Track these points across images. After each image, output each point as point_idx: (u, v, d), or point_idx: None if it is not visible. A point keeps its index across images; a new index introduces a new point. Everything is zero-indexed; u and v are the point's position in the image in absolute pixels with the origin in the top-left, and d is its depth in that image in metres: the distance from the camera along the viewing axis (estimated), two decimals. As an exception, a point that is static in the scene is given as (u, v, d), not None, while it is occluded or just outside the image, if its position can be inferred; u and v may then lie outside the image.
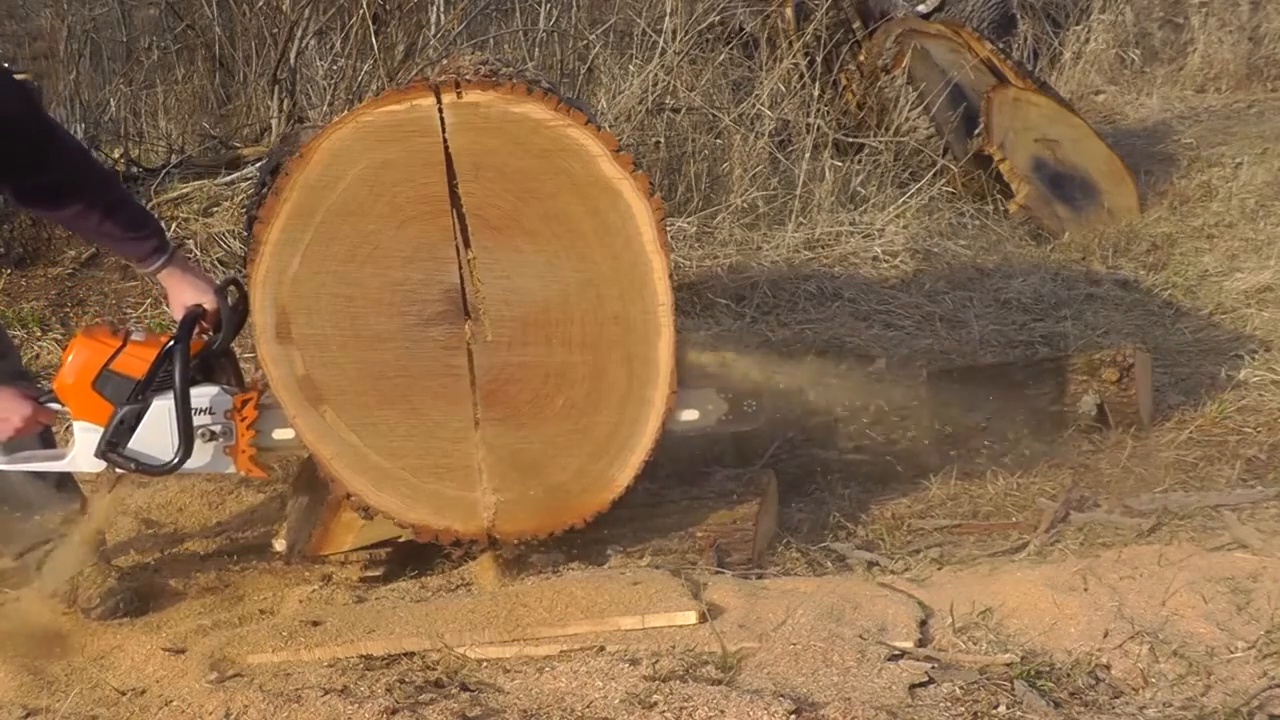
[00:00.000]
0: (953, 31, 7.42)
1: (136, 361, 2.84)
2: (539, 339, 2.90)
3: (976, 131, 6.56)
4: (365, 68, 5.80)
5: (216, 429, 2.88)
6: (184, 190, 5.21)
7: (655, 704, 2.43)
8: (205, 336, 2.94)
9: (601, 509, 2.99)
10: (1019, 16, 9.51)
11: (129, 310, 4.73)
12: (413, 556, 3.22)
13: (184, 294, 2.95)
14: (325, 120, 4.97)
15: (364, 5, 5.78)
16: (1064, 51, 9.23)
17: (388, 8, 6.02)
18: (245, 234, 3.41)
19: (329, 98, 5.79)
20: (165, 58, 6.95)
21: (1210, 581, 2.82)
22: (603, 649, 2.69)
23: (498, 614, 2.85)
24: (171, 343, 2.84)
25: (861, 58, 6.98)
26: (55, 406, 2.89)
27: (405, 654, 2.75)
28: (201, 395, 2.86)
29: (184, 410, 2.82)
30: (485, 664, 2.71)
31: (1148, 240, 6.17)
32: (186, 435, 2.83)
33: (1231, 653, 2.58)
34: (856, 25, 7.11)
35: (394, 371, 2.90)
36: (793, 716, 2.35)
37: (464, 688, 2.58)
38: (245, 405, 2.89)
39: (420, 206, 2.84)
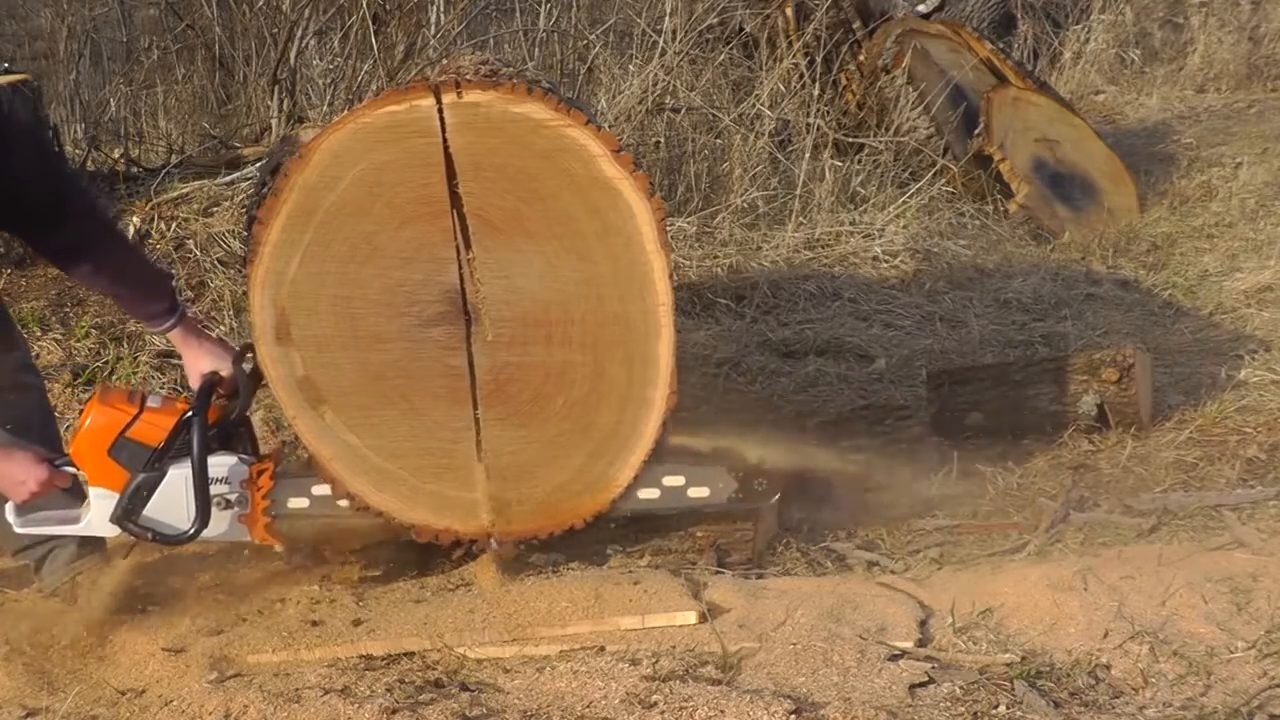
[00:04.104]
0: (953, 31, 7.42)
1: (153, 429, 2.83)
2: (539, 339, 2.90)
3: (976, 131, 6.56)
4: (365, 68, 5.80)
5: (233, 497, 2.87)
6: (184, 190, 5.20)
7: (655, 704, 2.43)
8: (222, 403, 2.92)
9: (602, 509, 2.99)
10: (1019, 16, 9.52)
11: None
12: (413, 557, 3.22)
13: (200, 360, 2.95)
14: (325, 120, 4.97)
15: (364, 5, 5.78)
16: (1064, 51, 9.24)
17: (388, 8, 6.02)
18: (245, 234, 3.40)
19: (329, 98, 5.78)
20: (165, 58, 6.94)
21: (1210, 581, 2.82)
22: (603, 649, 2.69)
23: (497, 614, 2.85)
24: (189, 413, 2.83)
25: (861, 58, 6.98)
26: (71, 470, 2.88)
27: (405, 654, 2.75)
28: (219, 465, 2.85)
29: (202, 481, 2.81)
30: (485, 664, 2.71)
31: (1148, 240, 6.17)
32: (204, 506, 2.82)
33: (1231, 653, 2.58)
34: (856, 25, 7.12)
35: (394, 372, 2.90)
36: (793, 716, 2.35)
37: (464, 688, 2.58)
38: (261, 475, 2.89)
39: (420, 207, 2.84)
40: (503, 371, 2.91)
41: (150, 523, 2.85)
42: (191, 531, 2.84)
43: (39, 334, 4.62)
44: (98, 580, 3.08)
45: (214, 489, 2.84)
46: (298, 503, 2.94)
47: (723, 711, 2.37)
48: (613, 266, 2.88)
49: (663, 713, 2.41)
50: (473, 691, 2.56)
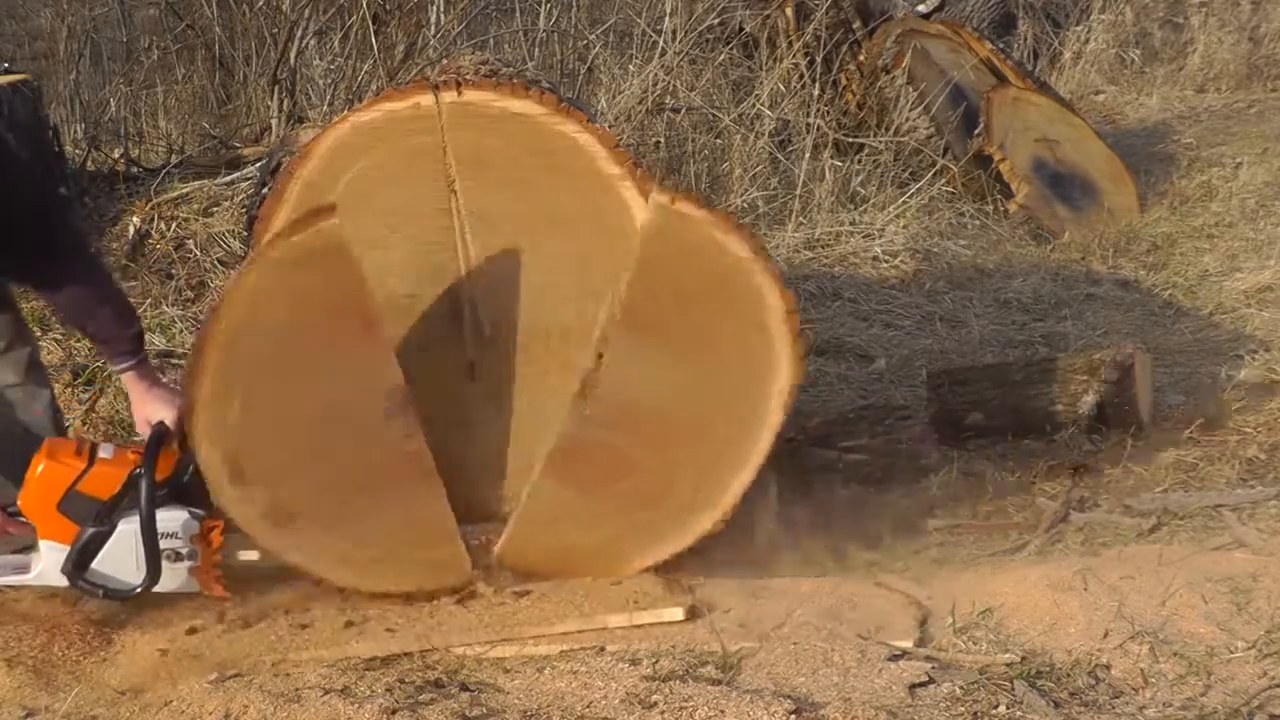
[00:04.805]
0: (953, 31, 7.43)
1: (103, 483, 2.78)
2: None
3: (976, 131, 6.57)
4: (365, 68, 5.80)
5: (183, 551, 2.83)
6: (184, 190, 5.20)
7: (655, 704, 2.43)
8: (174, 455, 2.87)
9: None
10: (1019, 16, 9.52)
11: (129, 311, 4.72)
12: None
13: (148, 406, 2.89)
14: (325, 120, 4.97)
15: (364, 5, 5.78)
16: (1064, 51, 9.23)
17: (388, 8, 6.02)
18: (245, 234, 3.41)
19: (329, 98, 5.78)
20: (165, 58, 6.94)
21: (1210, 581, 2.81)
22: (603, 649, 2.69)
23: (487, 615, 2.85)
24: (138, 470, 2.78)
25: (861, 58, 6.98)
26: (24, 521, 2.83)
27: (404, 654, 2.75)
28: (169, 519, 2.80)
29: (150, 538, 2.76)
30: (485, 664, 2.70)
31: (1148, 240, 6.17)
32: (154, 561, 2.78)
33: (1231, 653, 2.58)
34: (856, 25, 7.12)
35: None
36: (793, 716, 2.35)
37: (464, 688, 2.58)
38: (212, 531, 2.85)
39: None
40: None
41: (100, 577, 2.81)
42: (141, 586, 2.80)
43: (39, 334, 4.61)
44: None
45: (164, 543, 2.79)
46: (248, 555, 2.90)
47: (723, 711, 2.37)
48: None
49: (663, 713, 2.41)
50: (473, 691, 2.55)
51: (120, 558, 2.79)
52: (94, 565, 2.80)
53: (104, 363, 3.01)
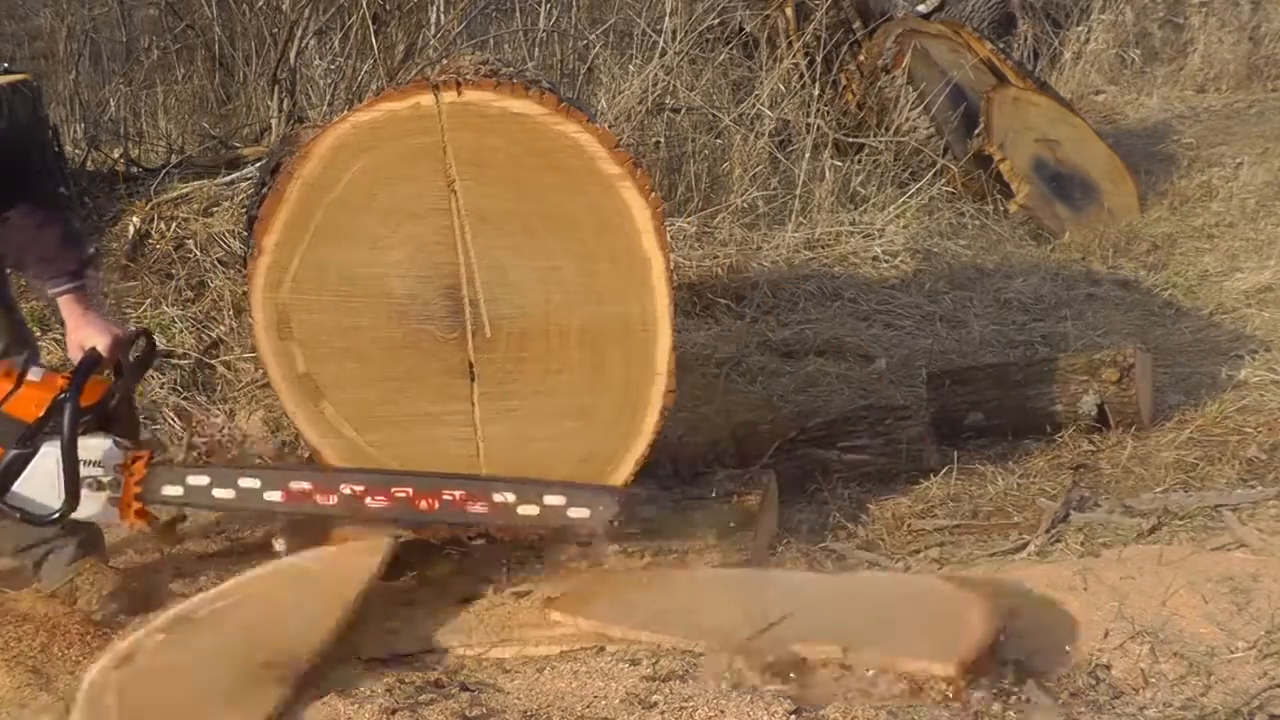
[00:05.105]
0: (953, 31, 7.43)
1: (29, 405, 2.76)
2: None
3: (976, 131, 6.57)
4: (365, 68, 5.79)
5: (105, 480, 2.79)
6: (184, 190, 5.19)
7: (655, 704, 2.43)
8: (105, 383, 2.84)
9: None
10: (1019, 16, 9.51)
11: (129, 310, 4.72)
12: (412, 557, 3.22)
13: (82, 331, 2.86)
14: (325, 120, 4.97)
15: (364, 5, 5.77)
16: (1064, 51, 9.23)
17: (388, 8, 6.01)
18: (245, 234, 3.41)
19: (329, 98, 5.78)
20: (165, 58, 6.94)
21: (1210, 581, 2.81)
22: (603, 649, 2.69)
23: (488, 615, 2.85)
24: (64, 394, 2.75)
25: (861, 58, 6.98)
26: None
27: (403, 654, 2.75)
28: (93, 447, 2.77)
29: (71, 463, 2.73)
30: (485, 664, 2.70)
31: (1148, 240, 6.17)
32: (72, 488, 2.74)
33: (1231, 653, 2.58)
34: (856, 25, 7.12)
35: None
36: (792, 716, 2.35)
37: (464, 688, 2.58)
38: (136, 461, 2.81)
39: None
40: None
41: (19, 500, 2.77)
42: (59, 512, 2.77)
43: (39, 334, 4.61)
44: (98, 581, 3.07)
45: (86, 471, 2.75)
46: (172, 491, 2.85)
47: (723, 711, 2.37)
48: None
49: (663, 713, 2.41)
50: (473, 691, 2.56)
51: (41, 482, 2.76)
52: (14, 488, 2.77)
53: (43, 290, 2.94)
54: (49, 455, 2.75)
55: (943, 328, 5.04)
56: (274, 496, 2.81)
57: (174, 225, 5.08)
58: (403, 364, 2.90)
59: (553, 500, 2.79)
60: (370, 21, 5.75)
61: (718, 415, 4.05)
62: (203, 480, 2.86)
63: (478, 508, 2.78)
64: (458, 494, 2.77)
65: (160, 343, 4.53)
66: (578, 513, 2.78)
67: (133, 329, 2.99)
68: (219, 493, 2.85)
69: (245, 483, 2.83)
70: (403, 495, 2.78)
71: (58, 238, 2.87)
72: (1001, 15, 9.49)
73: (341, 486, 2.79)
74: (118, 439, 2.83)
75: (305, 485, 2.80)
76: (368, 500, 2.79)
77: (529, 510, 2.79)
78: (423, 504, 2.78)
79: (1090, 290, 5.46)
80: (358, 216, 2.84)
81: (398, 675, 2.62)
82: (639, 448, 2.95)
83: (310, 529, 3.23)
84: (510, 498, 2.77)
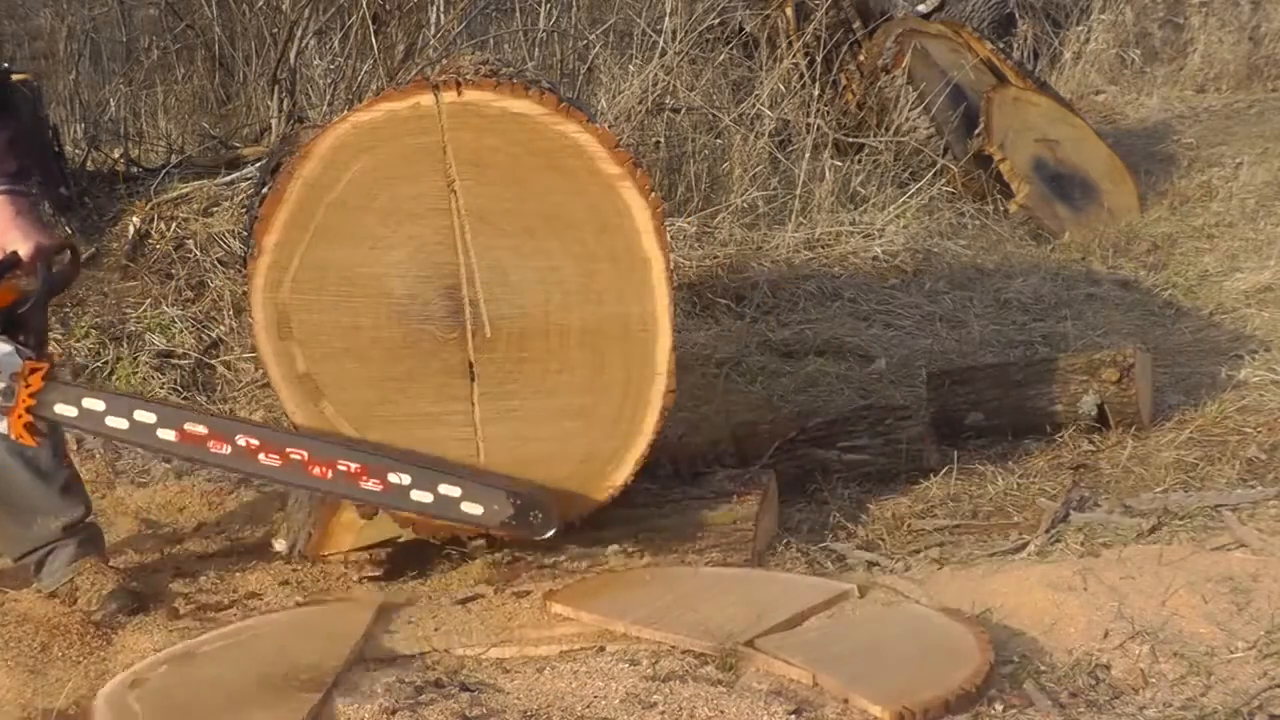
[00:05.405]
0: (953, 31, 7.43)
1: None
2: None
3: (976, 131, 6.57)
4: (365, 68, 5.80)
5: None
6: (184, 190, 5.20)
7: (655, 704, 2.43)
8: (17, 287, 2.78)
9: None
10: (1019, 16, 9.52)
11: (128, 310, 4.73)
12: (413, 557, 3.22)
13: (7, 235, 2.81)
14: (325, 120, 4.97)
15: (364, 5, 5.78)
16: (1064, 51, 9.23)
17: (388, 8, 6.01)
18: (245, 234, 3.41)
19: (329, 98, 5.78)
20: (165, 58, 6.94)
21: (1210, 581, 2.81)
22: (603, 649, 2.69)
23: (488, 616, 2.85)
24: None
25: (861, 58, 6.98)
26: None
27: (403, 655, 2.75)
28: None
29: None
30: (485, 664, 2.70)
31: (1148, 240, 6.17)
32: None
33: (1231, 653, 2.57)
34: (856, 25, 7.12)
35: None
36: (792, 716, 2.35)
37: (464, 688, 2.57)
38: (34, 373, 2.74)
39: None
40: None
41: None
42: None
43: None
44: (98, 582, 3.07)
45: None
46: (65, 410, 2.78)
47: (722, 711, 2.37)
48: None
49: (663, 713, 2.41)
50: (473, 691, 2.55)
51: None
52: None
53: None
54: None
55: (943, 328, 5.04)
56: (168, 435, 2.77)
57: (174, 225, 5.08)
58: (403, 364, 2.90)
59: (447, 490, 2.76)
60: (370, 21, 5.75)
61: (718, 415, 4.06)
62: (98, 405, 2.79)
63: (371, 484, 2.75)
64: (353, 466, 2.75)
65: (160, 343, 4.54)
66: (471, 508, 2.77)
67: (60, 239, 2.93)
68: (112, 421, 2.78)
69: (140, 415, 2.77)
70: (297, 457, 2.75)
71: (4, 140, 2.84)
72: (1001, 15, 9.49)
73: (237, 437, 2.76)
74: (20, 347, 2.77)
75: (200, 429, 2.76)
76: (260, 456, 2.75)
77: (422, 497, 2.76)
78: (315, 470, 2.75)
79: (1090, 290, 5.46)
80: (358, 216, 2.84)
81: (398, 675, 2.62)
82: (639, 447, 2.95)
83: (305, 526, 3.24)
84: (405, 480, 2.75)
